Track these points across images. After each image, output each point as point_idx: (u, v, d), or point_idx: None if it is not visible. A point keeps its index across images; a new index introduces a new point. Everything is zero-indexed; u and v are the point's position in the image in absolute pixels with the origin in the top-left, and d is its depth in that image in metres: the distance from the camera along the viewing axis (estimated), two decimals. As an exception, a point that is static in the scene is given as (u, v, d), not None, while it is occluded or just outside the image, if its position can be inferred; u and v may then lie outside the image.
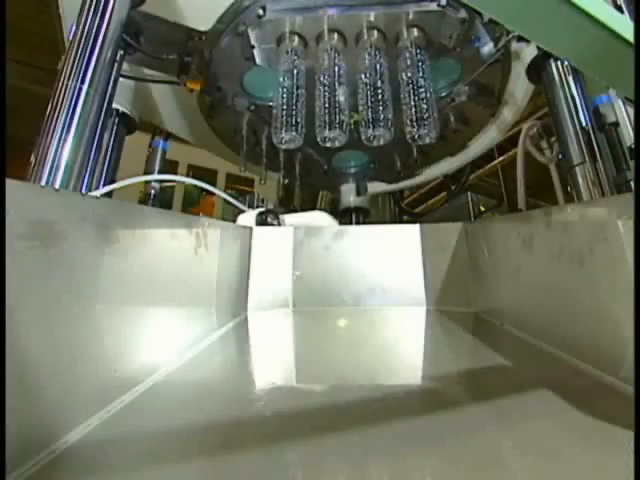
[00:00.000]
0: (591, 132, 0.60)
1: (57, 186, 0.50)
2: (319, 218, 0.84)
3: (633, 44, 0.26)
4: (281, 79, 0.82)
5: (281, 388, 0.39)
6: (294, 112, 0.81)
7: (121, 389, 0.34)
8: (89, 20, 0.61)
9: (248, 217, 0.81)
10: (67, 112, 0.53)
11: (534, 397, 0.34)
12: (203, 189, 0.81)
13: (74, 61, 0.59)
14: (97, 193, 0.63)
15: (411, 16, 0.76)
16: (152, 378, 0.38)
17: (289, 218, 0.83)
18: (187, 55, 0.83)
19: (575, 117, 0.72)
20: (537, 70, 0.85)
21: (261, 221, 0.81)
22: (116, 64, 0.67)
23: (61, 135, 0.52)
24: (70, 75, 0.57)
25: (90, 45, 0.60)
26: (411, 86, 0.80)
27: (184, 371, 0.42)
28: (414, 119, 0.78)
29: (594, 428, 0.28)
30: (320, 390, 0.38)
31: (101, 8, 0.62)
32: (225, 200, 0.83)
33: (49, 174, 0.50)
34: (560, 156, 0.86)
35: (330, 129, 0.79)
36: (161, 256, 0.46)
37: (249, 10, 0.76)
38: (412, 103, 0.79)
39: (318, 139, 0.81)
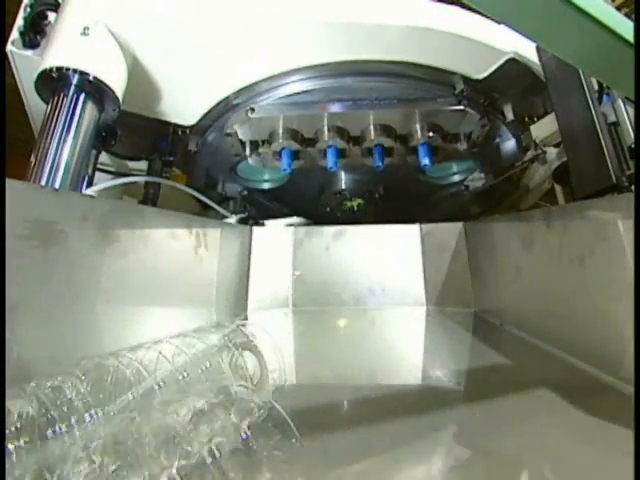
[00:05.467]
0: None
1: (57, 186, 0.50)
2: (297, 222, 0.85)
3: (633, 44, 0.26)
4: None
5: (280, 389, 0.39)
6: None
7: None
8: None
9: (230, 222, 0.81)
10: (67, 113, 0.53)
11: (534, 397, 0.34)
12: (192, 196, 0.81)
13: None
14: (90, 191, 0.63)
15: (427, 115, 0.67)
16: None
17: (271, 222, 0.84)
18: (169, 154, 0.78)
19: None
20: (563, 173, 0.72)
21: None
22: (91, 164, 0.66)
23: (61, 135, 0.52)
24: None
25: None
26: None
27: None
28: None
29: (594, 428, 0.28)
30: (319, 390, 0.38)
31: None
32: (209, 205, 0.83)
33: (49, 174, 0.50)
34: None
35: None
36: (161, 256, 0.46)
37: (238, 109, 0.68)
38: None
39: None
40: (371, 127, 0.68)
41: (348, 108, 0.67)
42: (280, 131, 0.68)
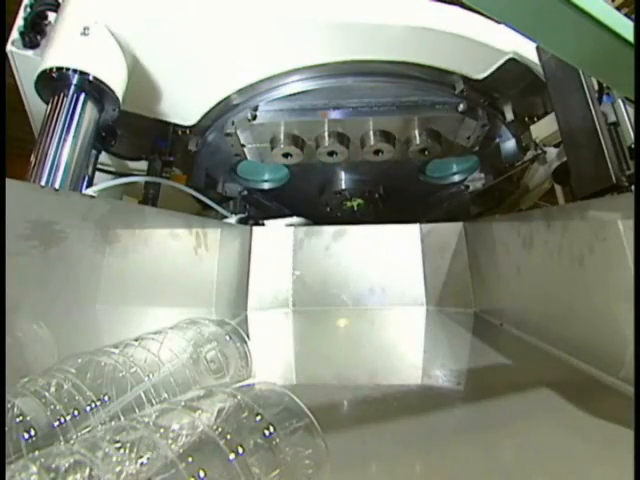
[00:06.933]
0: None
1: (57, 186, 0.50)
2: (297, 222, 0.85)
3: (633, 44, 0.26)
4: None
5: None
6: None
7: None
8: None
9: (230, 222, 0.81)
10: (67, 113, 0.53)
11: (534, 397, 0.34)
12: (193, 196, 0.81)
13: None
14: (90, 191, 0.63)
15: (426, 122, 0.68)
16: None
17: (270, 222, 0.84)
18: (169, 155, 0.78)
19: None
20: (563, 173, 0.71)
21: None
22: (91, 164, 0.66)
23: (61, 135, 0.52)
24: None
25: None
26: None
27: (184, 371, 0.42)
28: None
29: (594, 427, 0.28)
30: (319, 390, 0.38)
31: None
32: (209, 205, 0.83)
33: (49, 174, 0.50)
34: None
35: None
36: (161, 256, 0.46)
37: (238, 110, 0.68)
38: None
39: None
40: (371, 133, 0.69)
41: (348, 114, 0.67)
42: (282, 137, 0.69)
